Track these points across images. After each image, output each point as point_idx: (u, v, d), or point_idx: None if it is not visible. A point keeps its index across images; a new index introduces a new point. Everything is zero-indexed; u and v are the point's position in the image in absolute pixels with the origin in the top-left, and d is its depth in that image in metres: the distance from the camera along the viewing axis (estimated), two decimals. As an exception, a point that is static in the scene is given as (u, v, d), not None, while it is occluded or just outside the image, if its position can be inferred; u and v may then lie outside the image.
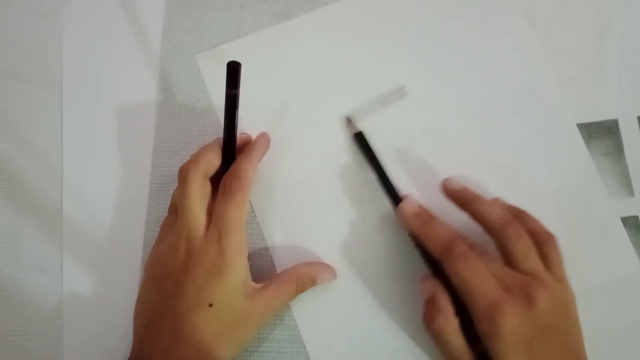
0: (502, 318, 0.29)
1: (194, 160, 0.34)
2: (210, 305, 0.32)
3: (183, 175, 0.34)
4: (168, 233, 0.34)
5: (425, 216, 0.35)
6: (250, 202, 0.38)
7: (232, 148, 0.35)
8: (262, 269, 0.37)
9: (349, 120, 0.38)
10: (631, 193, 0.38)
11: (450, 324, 0.32)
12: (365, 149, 0.37)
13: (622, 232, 0.38)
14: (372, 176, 0.37)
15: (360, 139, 0.38)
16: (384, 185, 0.36)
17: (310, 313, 0.37)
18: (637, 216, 0.38)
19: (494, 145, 0.39)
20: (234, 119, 0.34)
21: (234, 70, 0.32)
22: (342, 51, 0.40)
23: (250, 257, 0.35)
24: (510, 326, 0.29)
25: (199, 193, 0.33)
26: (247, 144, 0.37)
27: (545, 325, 0.30)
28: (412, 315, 0.37)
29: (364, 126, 0.39)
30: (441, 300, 0.32)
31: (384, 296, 0.37)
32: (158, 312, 0.32)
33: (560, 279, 0.32)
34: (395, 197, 0.36)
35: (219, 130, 0.39)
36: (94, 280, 0.38)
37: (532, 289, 0.30)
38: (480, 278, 0.31)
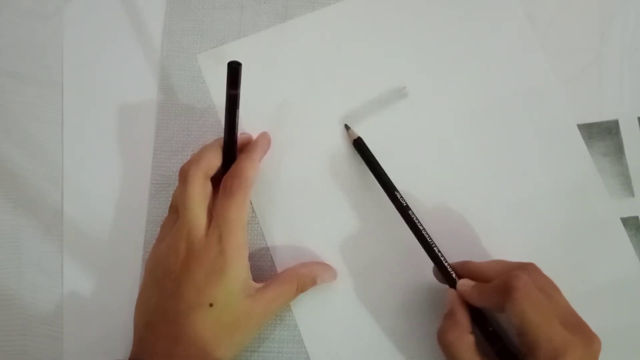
0: None
1: (194, 160, 0.34)
2: (211, 305, 0.32)
3: (184, 175, 0.34)
4: (168, 233, 0.34)
5: (478, 284, 0.33)
6: (250, 202, 0.38)
7: (232, 148, 0.35)
8: (262, 269, 0.37)
9: (347, 128, 0.38)
10: (631, 193, 0.38)
11: (463, 339, 0.31)
12: (364, 155, 0.37)
13: (622, 233, 0.38)
14: (372, 176, 0.37)
15: (359, 146, 0.37)
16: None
17: (310, 313, 0.37)
18: (637, 216, 0.38)
19: (494, 145, 0.39)
20: (235, 119, 0.34)
21: (234, 71, 0.32)
22: (342, 51, 0.40)
23: (251, 257, 0.35)
24: None
25: (199, 193, 0.33)
26: (248, 143, 0.37)
27: None
28: (412, 315, 0.37)
29: (364, 127, 0.39)
30: (458, 315, 0.32)
31: (384, 296, 0.37)
32: (158, 311, 0.32)
33: None
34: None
35: (219, 130, 0.39)
36: (94, 280, 0.38)
37: (588, 328, 0.30)
38: (545, 320, 0.29)
